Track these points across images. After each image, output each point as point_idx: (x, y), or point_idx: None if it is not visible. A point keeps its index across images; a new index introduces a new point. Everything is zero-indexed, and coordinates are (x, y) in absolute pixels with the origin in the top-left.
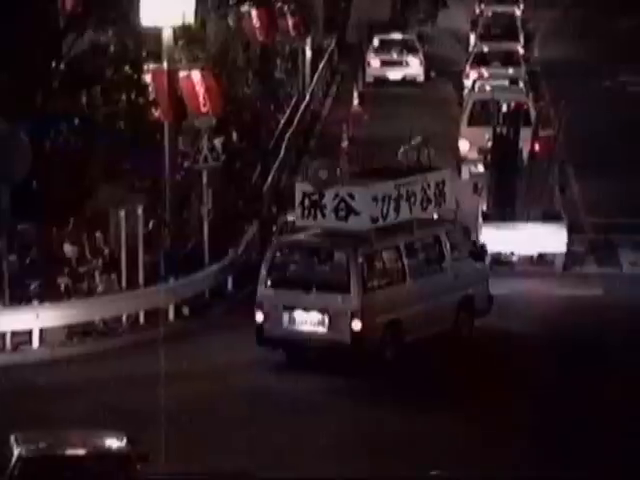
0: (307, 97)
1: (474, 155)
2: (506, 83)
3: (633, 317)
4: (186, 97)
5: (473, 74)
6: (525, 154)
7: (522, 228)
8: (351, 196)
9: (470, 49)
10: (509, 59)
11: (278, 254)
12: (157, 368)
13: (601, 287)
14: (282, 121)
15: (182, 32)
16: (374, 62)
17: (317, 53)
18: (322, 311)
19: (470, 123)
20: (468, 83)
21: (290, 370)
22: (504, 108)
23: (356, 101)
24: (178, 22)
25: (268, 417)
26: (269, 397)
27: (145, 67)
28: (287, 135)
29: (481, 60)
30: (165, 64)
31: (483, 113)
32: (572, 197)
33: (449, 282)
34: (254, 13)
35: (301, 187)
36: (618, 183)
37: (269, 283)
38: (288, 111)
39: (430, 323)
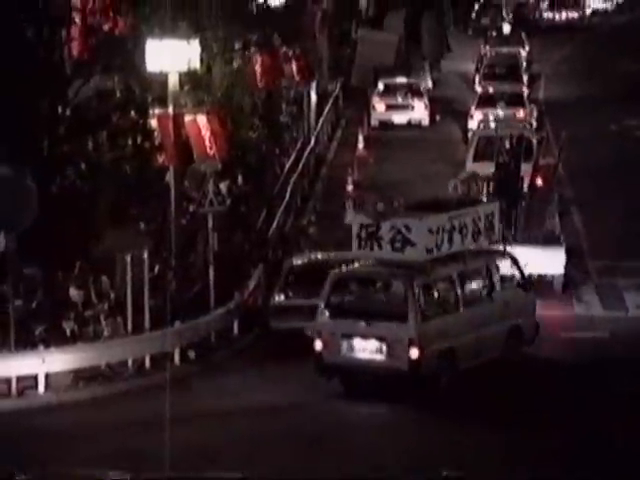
0: (312, 141)
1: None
2: (510, 120)
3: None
4: (192, 141)
5: (478, 115)
6: (526, 183)
7: (522, 250)
8: (407, 228)
9: (475, 90)
10: (514, 100)
11: (336, 285)
12: (163, 412)
13: (607, 330)
14: (287, 165)
15: (188, 77)
16: (379, 106)
17: (322, 97)
18: (380, 339)
19: (475, 159)
20: (473, 124)
21: (303, 411)
22: (507, 143)
23: (361, 145)
24: (184, 67)
25: (266, 461)
26: (270, 440)
27: (151, 112)
28: (292, 179)
29: (486, 101)
30: (171, 109)
31: (488, 149)
32: (578, 240)
33: (499, 311)
34: (259, 58)
35: (358, 219)
36: (624, 226)
37: (327, 312)
38: (293, 155)
39: (481, 351)
